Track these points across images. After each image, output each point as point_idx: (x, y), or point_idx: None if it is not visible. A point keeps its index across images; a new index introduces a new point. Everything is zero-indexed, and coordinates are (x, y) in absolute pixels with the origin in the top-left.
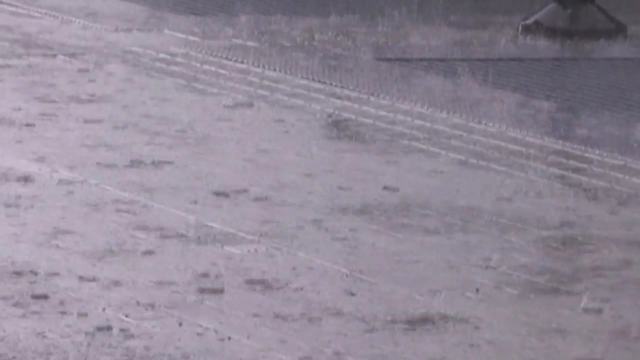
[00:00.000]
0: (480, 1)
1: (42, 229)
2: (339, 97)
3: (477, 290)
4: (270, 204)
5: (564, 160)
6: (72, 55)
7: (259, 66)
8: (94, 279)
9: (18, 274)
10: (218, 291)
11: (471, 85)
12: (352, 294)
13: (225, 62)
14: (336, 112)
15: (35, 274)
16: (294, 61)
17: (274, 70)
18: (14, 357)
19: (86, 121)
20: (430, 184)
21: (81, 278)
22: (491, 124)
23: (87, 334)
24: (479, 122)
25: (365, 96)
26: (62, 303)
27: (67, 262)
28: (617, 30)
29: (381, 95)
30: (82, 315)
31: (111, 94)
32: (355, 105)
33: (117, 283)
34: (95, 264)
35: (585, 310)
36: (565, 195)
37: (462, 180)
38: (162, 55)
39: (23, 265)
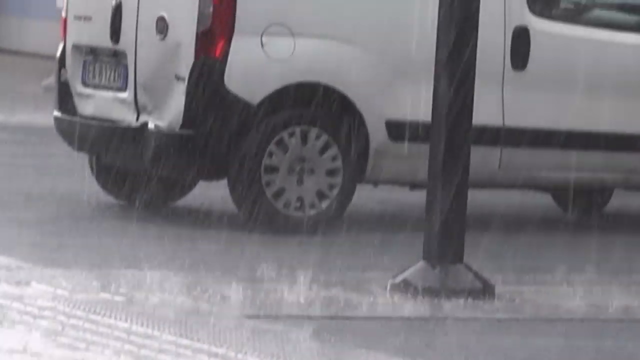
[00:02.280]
0: (350, 258)
1: None
2: (207, 354)
3: None
4: None
5: None
6: None
7: (126, 321)
8: None
9: None
10: None
11: (338, 346)
12: None
13: (92, 316)
14: None
15: None
16: (162, 317)
17: (142, 325)
18: None
19: None
20: None
21: None
22: None
23: None
24: None
25: (232, 353)
26: None
27: None
28: (485, 290)
29: (248, 353)
30: None
31: None
32: None
33: None
34: None
35: None
36: None
37: None
38: (29, 309)
39: None
